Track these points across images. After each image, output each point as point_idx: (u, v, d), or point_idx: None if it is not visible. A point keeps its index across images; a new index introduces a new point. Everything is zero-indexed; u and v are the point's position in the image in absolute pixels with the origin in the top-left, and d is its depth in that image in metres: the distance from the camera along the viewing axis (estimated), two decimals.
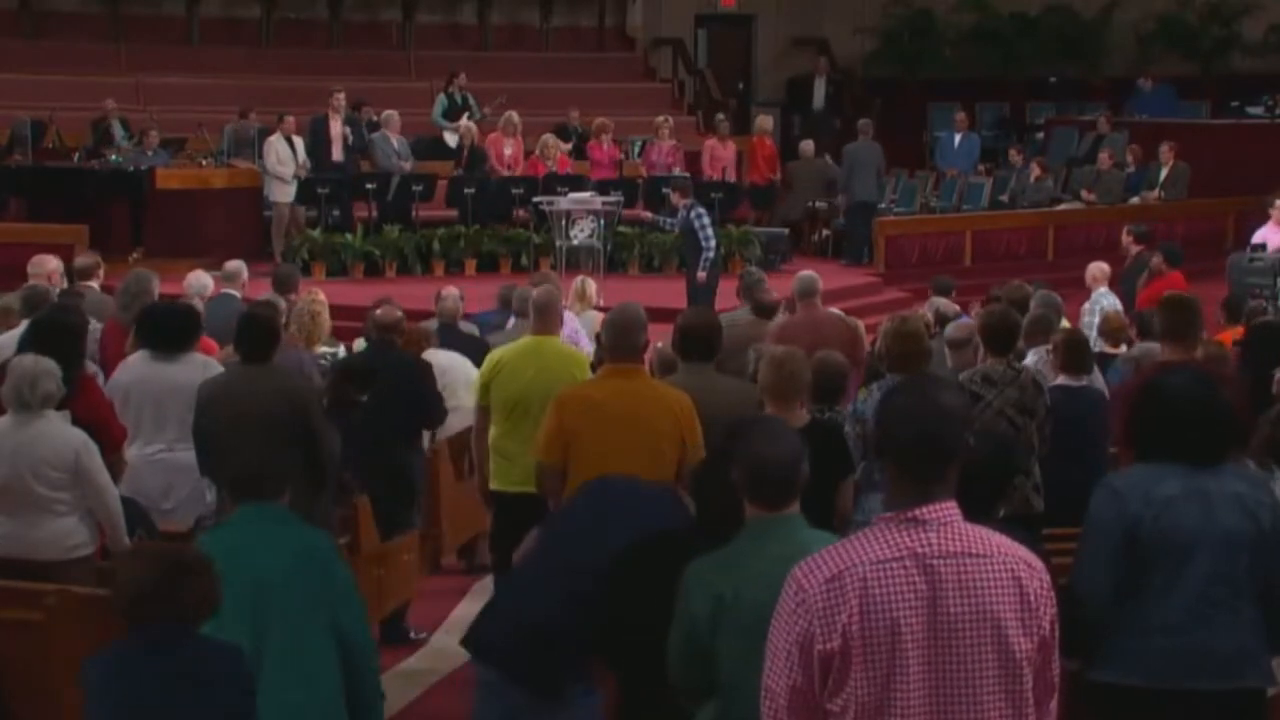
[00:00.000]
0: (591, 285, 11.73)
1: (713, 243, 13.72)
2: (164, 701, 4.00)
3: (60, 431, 6.23)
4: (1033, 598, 3.18)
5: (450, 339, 9.62)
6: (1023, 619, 3.16)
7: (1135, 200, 18.84)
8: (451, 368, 9.00)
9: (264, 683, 4.42)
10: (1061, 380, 7.44)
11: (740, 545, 3.86)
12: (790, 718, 3.16)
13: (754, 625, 3.69)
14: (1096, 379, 7.94)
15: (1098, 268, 11.85)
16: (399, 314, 8.49)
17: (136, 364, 7.35)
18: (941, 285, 11.63)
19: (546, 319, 7.20)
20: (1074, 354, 7.60)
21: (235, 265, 10.84)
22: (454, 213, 17.02)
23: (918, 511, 3.17)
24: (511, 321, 9.95)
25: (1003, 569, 3.17)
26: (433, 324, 9.85)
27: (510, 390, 6.87)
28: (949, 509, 3.19)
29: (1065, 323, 9.81)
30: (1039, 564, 3.23)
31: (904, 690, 3.10)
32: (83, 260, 10.46)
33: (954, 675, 3.12)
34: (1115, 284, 12.86)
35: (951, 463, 3.19)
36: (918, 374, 5.75)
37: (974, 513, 3.24)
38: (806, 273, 9.65)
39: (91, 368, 7.78)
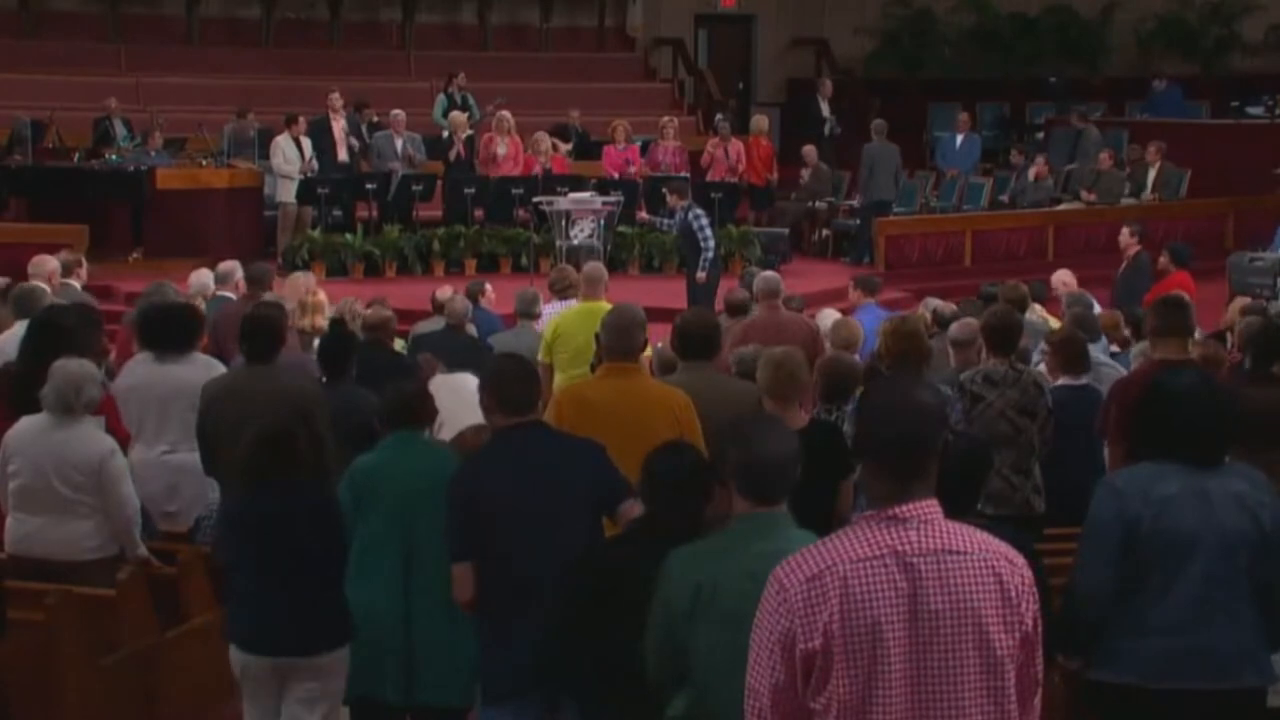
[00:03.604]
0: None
1: (711, 243, 13.71)
2: (268, 531, 5.29)
3: (91, 436, 6.29)
4: (1014, 594, 3.17)
5: (456, 342, 9.39)
6: (1004, 615, 3.16)
7: (1129, 201, 18.81)
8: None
9: (419, 577, 5.35)
10: (1061, 381, 7.44)
11: (726, 538, 3.87)
12: (774, 717, 3.16)
13: (731, 618, 3.69)
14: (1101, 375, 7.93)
15: (1065, 274, 11.64)
16: (388, 314, 8.69)
17: (139, 366, 7.34)
18: (869, 284, 11.53)
19: (595, 287, 9.12)
20: (1072, 354, 7.59)
21: (228, 266, 10.79)
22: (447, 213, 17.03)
23: (898, 509, 3.17)
24: (519, 324, 9.99)
25: (983, 565, 3.17)
26: (438, 323, 9.85)
27: (570, 347, 8.50)
28: (929, 506, 3.19)
29: (1054, 323, 9.80)
30: (1020, 560, 3.23)
31: (886, 688, 3.10)
32: (64, 257, 10.36)
33: (936, 672, 3.12)
34: (1114, 283, 12.86)
35: (931, 460, 3.18)
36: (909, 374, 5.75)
37: (950, 511, 3.23)
38: (768, 273, 9.78)
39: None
